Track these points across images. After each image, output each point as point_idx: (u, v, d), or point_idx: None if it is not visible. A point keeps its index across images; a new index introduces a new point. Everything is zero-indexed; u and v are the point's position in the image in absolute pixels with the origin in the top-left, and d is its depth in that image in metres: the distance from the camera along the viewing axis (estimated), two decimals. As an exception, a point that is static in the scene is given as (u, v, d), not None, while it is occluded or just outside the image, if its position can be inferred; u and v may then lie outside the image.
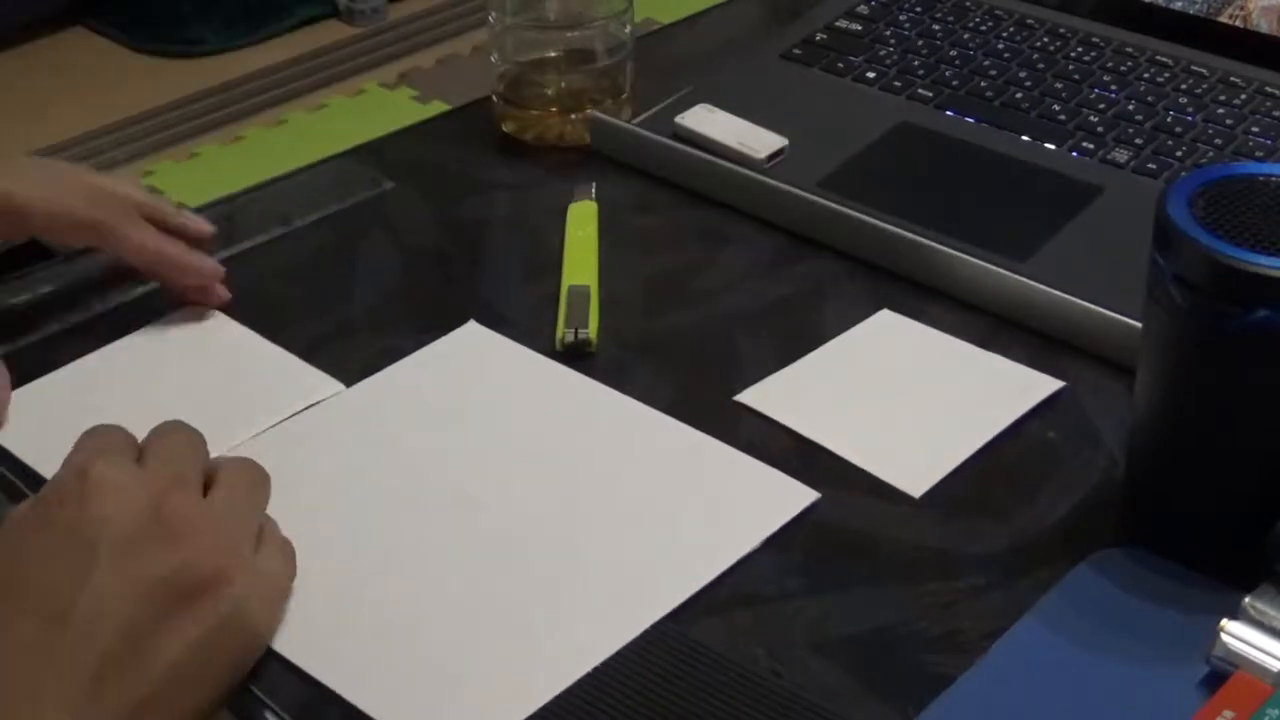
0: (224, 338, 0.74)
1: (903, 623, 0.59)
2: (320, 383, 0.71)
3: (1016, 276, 0.74)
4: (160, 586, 0.53)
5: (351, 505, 0.64)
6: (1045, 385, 0.71)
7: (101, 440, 0.58)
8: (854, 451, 0.67)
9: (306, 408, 0.70)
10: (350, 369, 0.72)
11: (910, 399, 0.71)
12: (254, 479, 0.60)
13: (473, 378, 0.72)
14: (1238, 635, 0.54)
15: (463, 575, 0.61)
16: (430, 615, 0.59)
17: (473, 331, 0.74)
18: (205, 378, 0.72)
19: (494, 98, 0.89)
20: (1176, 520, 0.61)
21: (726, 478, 0.66)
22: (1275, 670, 0.53)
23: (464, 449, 0.67)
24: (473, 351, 0.73)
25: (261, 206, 0.84)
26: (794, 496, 0.64)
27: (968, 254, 0.76)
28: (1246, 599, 0.55)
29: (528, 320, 0.75)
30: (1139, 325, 0.61)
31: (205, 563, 0.54)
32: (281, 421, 0.69)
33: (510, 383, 0.72)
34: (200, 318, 0.75)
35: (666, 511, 0.64)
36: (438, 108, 0.95)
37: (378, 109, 0.96)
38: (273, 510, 0.61)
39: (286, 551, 0.59)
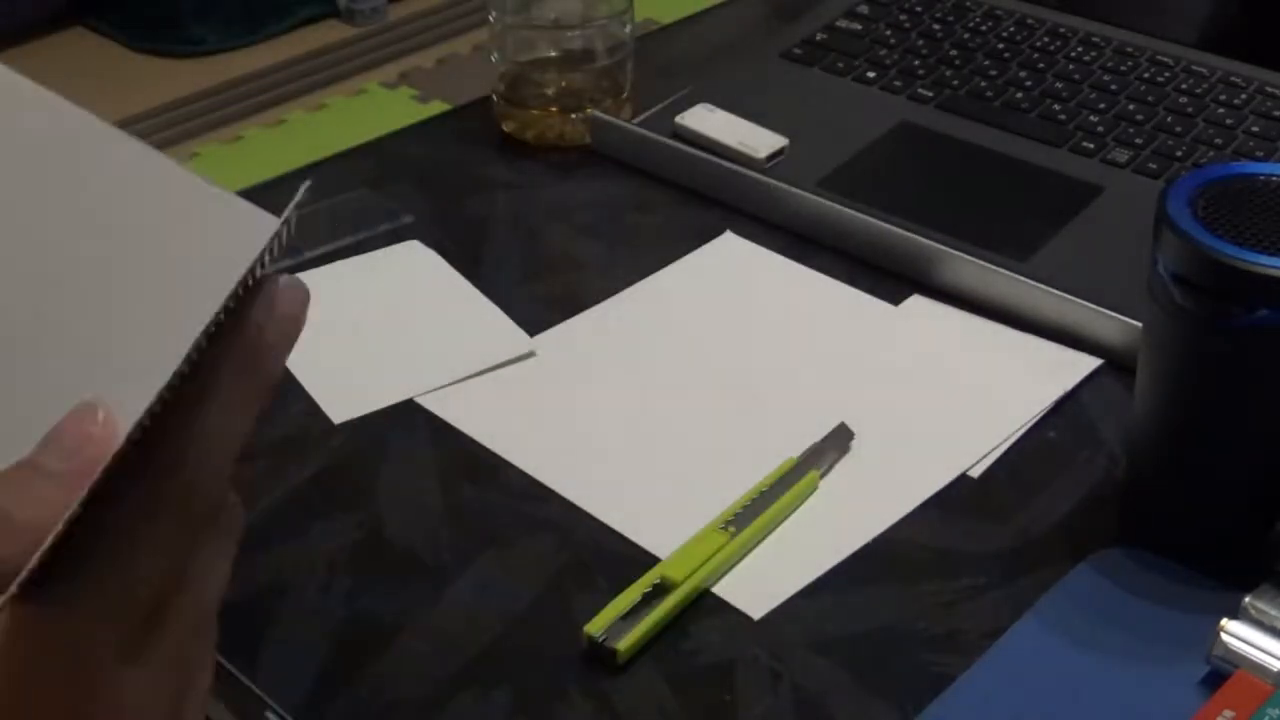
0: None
1: (903, 622, 0.59)
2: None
3: (1017, 276, 0.74)
4: None
5: (631, 393, 0.71)
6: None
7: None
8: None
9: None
10: (350, 369, 0.72)
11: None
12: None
13: (730, 284, 0.78)
14: (1238, 635, 0.54)
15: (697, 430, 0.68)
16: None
17: (728, 241, 0.80)
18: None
19: (494, 98, 0.89)
20: (1177, 520, 0.61)
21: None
22: (1275, 670, 0.53)
23: (716, 352, 0.73)
24: (730, 259, 0.79)
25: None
26: (1076, 366, 0.70)
27: (968, 254, 0.76)
28: (1246, 599, 0.55)
29: (527, 321, 0.75)
30: (1139, 325, 0.61)
31: None
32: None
33: (765, 288, 0.77)
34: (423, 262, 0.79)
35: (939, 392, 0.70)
36: (438, 108, 0.95)
37: (378, 109, 0.96)
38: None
39: None
